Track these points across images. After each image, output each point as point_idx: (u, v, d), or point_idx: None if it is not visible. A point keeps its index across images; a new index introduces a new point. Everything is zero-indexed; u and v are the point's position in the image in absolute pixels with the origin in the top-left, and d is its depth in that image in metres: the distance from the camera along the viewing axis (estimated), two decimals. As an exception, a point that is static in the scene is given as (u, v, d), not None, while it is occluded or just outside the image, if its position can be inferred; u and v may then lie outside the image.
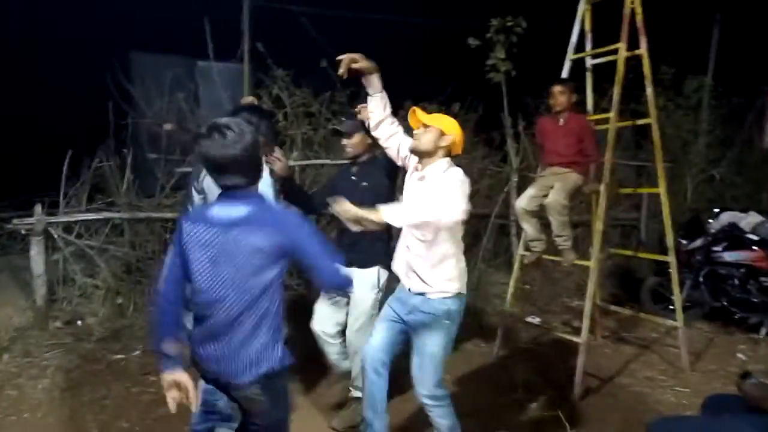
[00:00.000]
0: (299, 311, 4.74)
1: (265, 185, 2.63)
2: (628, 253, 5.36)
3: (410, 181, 2.83)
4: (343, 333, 3.42)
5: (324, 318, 3.42)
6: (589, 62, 4.54)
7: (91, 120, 5.20)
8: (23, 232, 4.76)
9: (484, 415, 3.54)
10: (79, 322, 4.82)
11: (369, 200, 3.08)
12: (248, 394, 2.04)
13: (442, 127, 2.69)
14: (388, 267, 3.19)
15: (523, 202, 4.24)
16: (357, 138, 3.32)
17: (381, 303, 3.22)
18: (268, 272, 1.97)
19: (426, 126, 2.70)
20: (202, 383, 2.26)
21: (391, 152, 2.98)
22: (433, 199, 2.50)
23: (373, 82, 3.00)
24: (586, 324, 3.96)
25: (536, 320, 5.40)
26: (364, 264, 3.24)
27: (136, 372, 4.10)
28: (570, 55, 4.47)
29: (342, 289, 2.23)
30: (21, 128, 6.88)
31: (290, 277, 5.45)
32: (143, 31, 6.19)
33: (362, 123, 3.30)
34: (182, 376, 2.01)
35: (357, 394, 3.40)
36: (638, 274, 6.33)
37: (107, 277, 5.02)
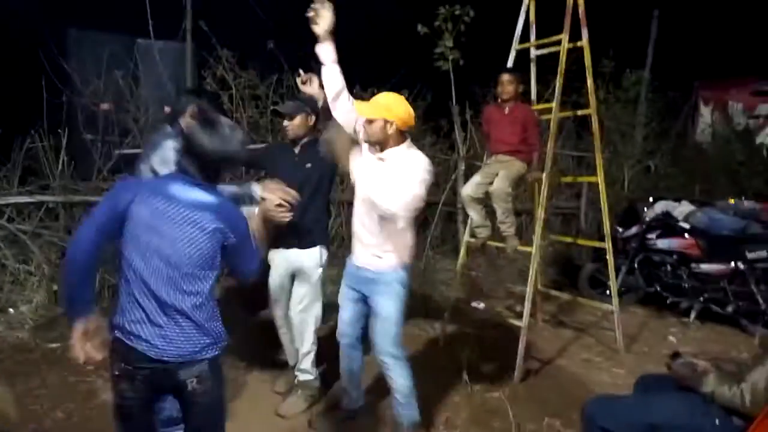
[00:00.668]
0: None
1: None
2: (568, 239, 5.54)
3: (368, 159, 2.85)
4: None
5: (277, 300, 3.48)
6: (533, 53, 4.64)
7: (23, 98, 4.92)
8: (-52, 215, 4.50)
9: (429, 397, 3.59)
10: (11, 310, 4.60)
11: (313, 181, 3.26)
12: (196, 373, 2.01)
13: (385, 115, 2.71)
14: (328, 246, 3.41)
15: (468, 189, 4.31)
16: (299, 120, 3.29)
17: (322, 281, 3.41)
18: (216, 257, 2.04)
19: (370, 120, 2.73)
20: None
21: (348, 128, 2.95)
22: (395, 186, 2.62)
23: (329, 50, 2.95)
24: (527, 308, 4.08)
25: (481, 305, 5.53)
26: (306, 245, 3.30)
27: (73, 361, 3.94)
28: (515, 45, 4.55)
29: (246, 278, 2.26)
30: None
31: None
32: (81, 5, 5.89)
33: (304, 104, 3.31)
34: (94, 322, 1.96)
35: (304, 377, 3.46)
36: (578, 261, 6.56)
37: (41, 263, 4.80)
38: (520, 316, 4.27)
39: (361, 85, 6.17)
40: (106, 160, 5.13)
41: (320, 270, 3.36)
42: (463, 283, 6.32)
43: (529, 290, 4.12)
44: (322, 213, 3.44)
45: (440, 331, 4.64)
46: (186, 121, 2.88)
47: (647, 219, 5.60)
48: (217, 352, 2.06)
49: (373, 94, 6.33)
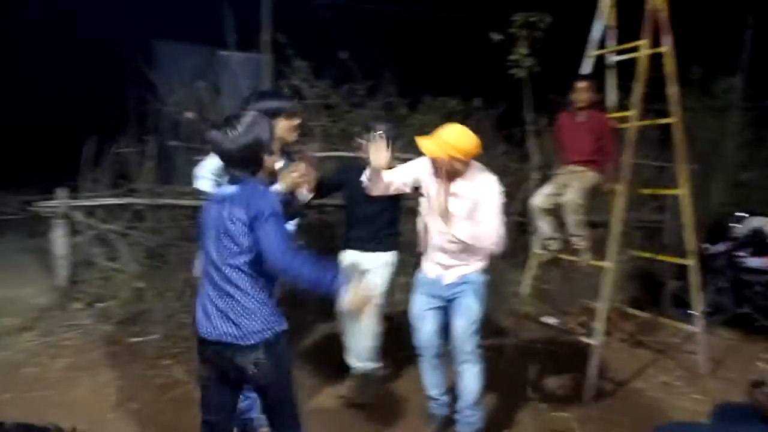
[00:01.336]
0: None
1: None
2: (648, 255, 5.24)
3: (436, 195, 2.89)
4: None
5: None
6: (611, 59, 4.46)
7: (114, 107, 5.29)
8: (45, 214, 4.87)
9: (492, 412, 3.51)
10: (99, 305, 4.93)
11: (386, 203, 3.38)
12: (253, 359, 2.18)
13: (450, 152, 2.73)
14: (398, 251, 3.65)
15: (537, 200, 4.19)
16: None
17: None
18: (254, 244, 2.14)
19: (437, 159, 2.76)
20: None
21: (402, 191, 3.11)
22: (477, 225, 2.79)
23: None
24: (600, 326, 3.90)
25: (552, 321, 5.33)
26: (378, 249, 3.56)
27: (152, 355, 4.18)
28: (591, 51, 4.39)
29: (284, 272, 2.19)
30: (47, 114, 7.05)
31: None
32: (166, 20, 6.26)
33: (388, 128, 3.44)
34: None
35: (366, 367, 3.58)
36: (661, 278, 6.21)
37: (128, 262, 5.11)
38: (593, 333, 4.10)
39: (432, 93, 6.20)
40: (187, 165, 5.38)
41: (390, 272, 3.57)
42: (535, 296, 6.15)
43: (602, 307, 3.94)
44: (395, 222, 3.67)
45: (507, 346, 4.51)
46: None
47: (737, 235, 5.23)
48: (268, 336, 2.18)
49: (444, 104, 6.38)
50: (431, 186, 2.93)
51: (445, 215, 2.86)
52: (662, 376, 4.27)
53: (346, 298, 2.21)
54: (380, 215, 3.54)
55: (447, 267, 3.01)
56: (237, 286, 2.17)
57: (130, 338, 4.43)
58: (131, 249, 5.18)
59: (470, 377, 3.03)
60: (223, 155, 2.20)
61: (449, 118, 6.44)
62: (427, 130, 6.21)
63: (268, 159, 2.27)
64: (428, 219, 3.01)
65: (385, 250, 3.57)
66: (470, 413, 3.08)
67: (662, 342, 4.91)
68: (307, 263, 2.10)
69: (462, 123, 6.53)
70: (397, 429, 3.39)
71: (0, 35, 7.27)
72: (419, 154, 2.90)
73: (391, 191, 3.07)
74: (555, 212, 4.21)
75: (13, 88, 7.30)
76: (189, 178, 5.35)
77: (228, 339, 2.18)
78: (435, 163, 2.82)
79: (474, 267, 3.00)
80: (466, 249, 2.92)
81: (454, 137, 2.75)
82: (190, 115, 5.59)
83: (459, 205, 2.84)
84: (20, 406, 3.31)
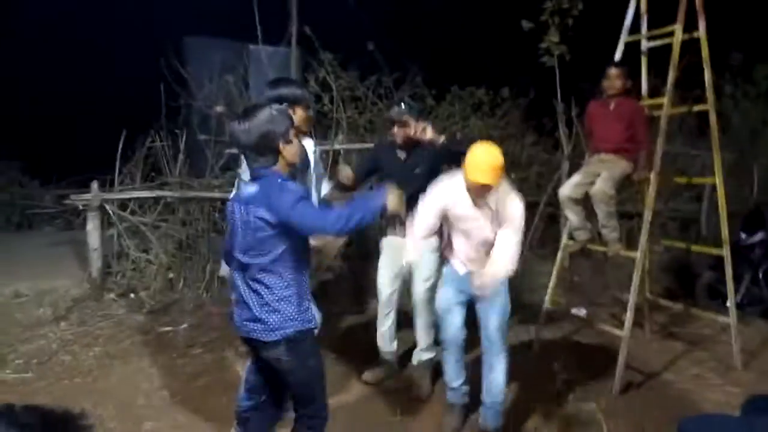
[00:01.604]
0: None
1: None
2: (681, 245, 5.12)
3: (465, 211, 2.97)
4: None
5: (388, 285, 3.70)
6: (645, 45, 4.34)
7: (144, 101, 5.39)
8: (80, 207, 5.01)
9: (518, 404, 3.50)
10: (132, 295, 5.04)
11: (424, 187, 3.29)
12: (276, 354, 2.27)
13: (501, 174, 2.80)
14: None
15: (566, 189, 4.11)
16: (408, 128, 3.44)
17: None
18: (279, 243, 2.21)
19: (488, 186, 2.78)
20: (248, 363, 2.66)
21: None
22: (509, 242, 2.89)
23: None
24: (629, 317, 3.82)
25: (582, 312, 5.24)
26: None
27: (182, 344, 4.27)
28: (624, 38, 4.28)
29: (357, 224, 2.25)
30: (82, 110, 7.24)
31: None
32: (196, 15, 6.35)
33: (412, 110, 3.51)
34: None
35: (428, 355, 3.70)
36: (697, 269, 6.04)
37: (159, 253, 5.22)
38: (624, 325, 4.02)
39: (459, 84, 6.14)
40: (217, 159, 5.47)
41: (437, 255, 3.51)
42: (566, 288, 6.05)
43: (632, 298, 3.86)
44: None
45: (534, 336, 4.46)
46: None
47: (775, 225, 5.05)
48: (290, 333, 2.24)
49: (471, 94, 6.32)
50: (457, 205, 2.98)
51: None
52: (694, 368, 4.16)
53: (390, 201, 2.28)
54: (412, 198, 3.34)
55: (475, 265, 3.05)
56: (263, 283, 2.24)
57: (161, 327, 4.54)
58: (162, 241, 5.28)
59: (499, 371, 3.08)
60: (240, 147, 2.29)
61: (477, 108, 6.40)
62: (454, 120, 6.23)
63: (285, 148, 2.28)
64: (457, 230, 3.08)
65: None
66: (496, 411, 3.14)
67: (695, 333, 4.78)
68: (349, 212, 2.20)
69: (490, 113, 6.50)
70: (417, 416, 3.40)
71: (31, 35, 7.53)
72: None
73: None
74: (584, 202, 4.13)
75: (49, 84, 7.54)
76: (218, 172, 5.50)
77: (254, 335, 2.28)
78: (481, 192, 2.86)
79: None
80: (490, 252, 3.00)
81: (498, 160, 2.78)
82: (219, 108, 5.66)
83: (486, 215, 2.95)
84: (53, 394, 3.42)
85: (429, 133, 3.41)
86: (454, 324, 3.14)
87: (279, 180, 2.24)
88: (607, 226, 4.08)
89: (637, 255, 3.87)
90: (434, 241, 3.53)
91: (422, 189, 3.36)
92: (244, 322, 2.32)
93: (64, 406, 1.04)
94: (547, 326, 4.57)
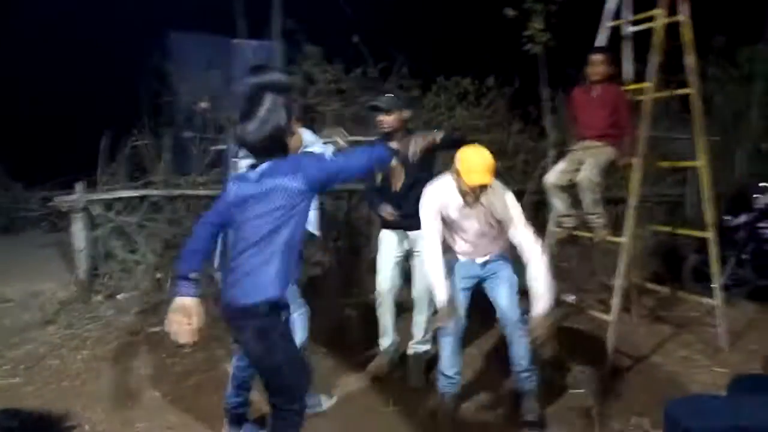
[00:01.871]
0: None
1: None
2: (665, 229, 5.15)
3: (460, 210, 3.05)
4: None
5: (388, 278, 3.73)
6: (627, 30, 4.34)
7: (126, 99, 5.33)
8: (63, 209, 4.96)
9: (507, 392, 3.52)
10: (119, 296, 5.01)
11: (416, 171, 3.32)
12: (250, 324, 2.25)
13: (490, 180, 2.86)
14: None
15: (552, 177, 4.13)
16: (395, 115, 3.44)
17: None
18: (289, 213, 2.23)
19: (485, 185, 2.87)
20: (235, 359, 2.72)
21: None
22: (520, 232, 2.97)
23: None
24: (616, 301, 3.86)
25: (570, 298, 5.28)
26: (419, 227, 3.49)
27: (172, 344, 4.18)
28: (606, 23, 4.29)
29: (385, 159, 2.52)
30: (63, 111, 7.15)
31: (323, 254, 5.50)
32: (178, 10, 6.26)
33: (399, 99, 3.52)
34: (192, 302, 2.22)
35: (424, 347, 3.75)
36: (683, 252, 6.09)
37: (146, 253, 5.18)
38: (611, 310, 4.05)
39: (445, 74, 6.12)
40: (203, 156, 5.43)
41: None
42: (552, 275, 6.07)
43: (618, 282, 3.89)
44: None
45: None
46: None
47: (758, 206, 5.09)
48: (265, 298, 2.23)
49: (457, 84, 6.31)
50: (450, 206, 3.05)
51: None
52: (682, 350, 4.21)
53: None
54: (410, 190, 3.36)
55: (477, 253, 3.16)
56: (255, 255, 2.24)
57: (150, 328, 4.50)
58: (149, 240, 5.24)
59: (522, 343, 3.15)
60: (249, 148, 2.30)
61: (463, 98, 6.38)
62: (440, 110, 6.21)
63: (291, 139, 2.34)
64: (453, 227, 3.15)
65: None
66: (526, 375, 3.22)
67: (682, 317, 4.83)
68: (368, 150, 2.43)
69: (476, 102, 6.48)
70: (409, 406, 3.41)
71: (9, 37, 7.41)
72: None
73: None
74: (570, 189, 4.14)
75: (29, 87, 7.44)
76: (204, 169, 5.45)
77: (234, 301, 2.26)
78: (478, 192, 2.93)
79: (499, 251, 3.19)
80: (491, 243, 3.13)
81: (490, 159, 2.86)
82: (203, 105, 5.61)
83: (485, 212, 3.02)
84: (42, 398, 3.40)
85: (423, 141, 3.35)
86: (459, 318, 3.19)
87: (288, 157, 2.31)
88: (593, 213, 4.10)
89: (624, 240, 3.89)
90: None
91: (417, 183, 3.38)
92: (228, 291, 2.30)
93: (48, 409, 1.03)
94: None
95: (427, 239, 3.07)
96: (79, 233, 4.90)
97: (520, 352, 3.18)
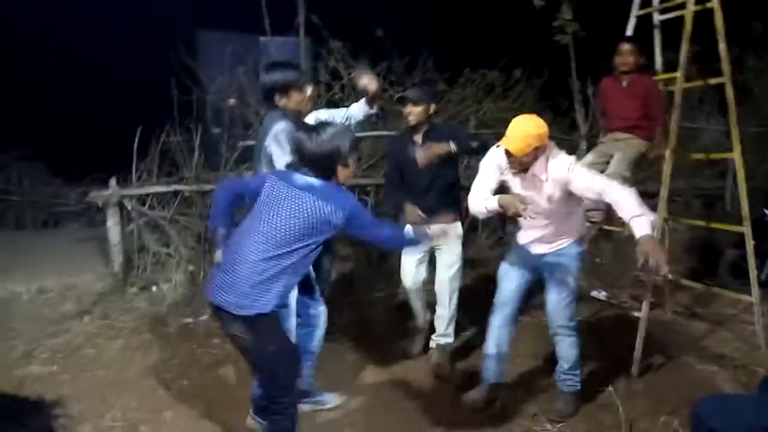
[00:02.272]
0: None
1: None
2: (699, 223, 4.98)
3: (517, 183, 2.97)
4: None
5: (412, 274, 3.77)
6: (657, 18, 4.23)
7: (157, 97, 5.45)
8: (99, 204, 5.11)
9: (530, 388, 3.50)
10: (153, 288, 5.14)
11: (438, 165, 3.45)
12: (237, 330, 2.33)
13: (535, 144, 2.74)
14: (462, 222, 3.72)
15: (579, 169, 4.04)
16: (422, 107, 3.49)
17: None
18: (312, 236, 2.31)
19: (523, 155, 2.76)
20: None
21: None
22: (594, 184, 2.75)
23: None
24: (647, 297, 3.77)
25: (601, 294, 5.19)
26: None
27: (202, 335, 4.34)
28: (635, 11, 4.18)
29: (409, 245, 2.67)
30: (98, 107, 7.37)
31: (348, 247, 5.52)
32: (206, 9, 6.39)
33: (427, 93, 3.59)
34: None
35: (445, 341, 3.78)
36: (721, 247, 5.90)
37: (179, 246, 5.30)
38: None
39: (471, 67, 6.07)
40: (231, 152, 5.51)
41: (460, 244, 3.67)
42: (585, 270, 5.97)
43: (649, 277, 3.80)
44: (452, 191, 3.66)
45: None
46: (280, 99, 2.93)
47: (800, 199, 4.90)
48: (254, 312, 2.27)
49: (484, 77, 6.26)
50: (509, 177, 2.99)
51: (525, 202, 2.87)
52: (717, 348, 4.09)
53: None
54: (433, 184, 3.55)
55: (539, 240, 3.06)
56: (267, 262, 2.27)
57: (182, 319, 4.61)
58: (182, 234, 5.36)
59: (564, 347, 3.15)
60: (303, 157, 2.38)
61: (490, 90, 6.32)
62: (467, 103, 6.17)
63: (341, 170, 2.41)
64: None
65: (448, 222, 3.49)
66: (566, 377, 3.21)
67: (718, 313, 4.69)
68: (399, 233, 2.53)
69: (503, 95, 6.43)
70: (434, 397, 3.41)
71: (49, 37, 7.68)
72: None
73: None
74: None
75: (67, 85, 7.69)
76: (232, 164, 5.54)
77: (225, 306, 2.31)
78: (518, 162, 2.82)
79: (568, 240, 3.03)
80: (555, 219, 2.98)
81: (534, 128, 2.76)
82: (232, 102, 5.70)
83: (539, 186, 2.88)
84: (77, 386, 3.51)
85: (436, 150, 3.39)
86: (506, 288, 3.18)
87: (342, 187, 2.42)
88: (623, 207, 4.00)
89: (654, 234, 3.79)
90: (459, 227, 3.68)
91: (438, 177, 3.53)
92: (220, 291, 2.33)
93: (36, 395, 1.06)
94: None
95: (473, 190, 2.98)
96: (113, 227, 5.04)
97: (561, 353, 3.18)
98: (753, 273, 4.03)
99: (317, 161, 2.35)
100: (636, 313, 3.83)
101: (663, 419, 3.16)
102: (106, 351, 4.04)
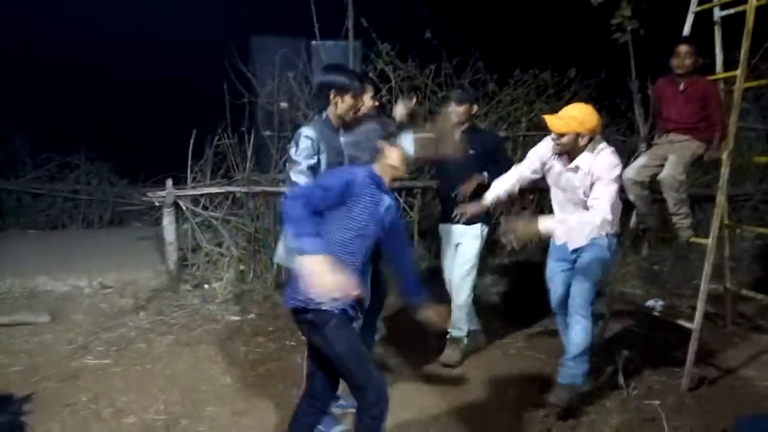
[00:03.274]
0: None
1: None
2: (761, 230, 4.68)
3: (560, 171, 3.11)
4: None
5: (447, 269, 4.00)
6: (717, 14, 4.00)
7: (210, 100, 5.62)
8: (156, 204, 5.34)
9: (578, 397, 3.36)
10: (205, 286, 5.32)
11: (474, 166, 3.68)
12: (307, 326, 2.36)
13: (578, 129, 2.89)
14: (487, 223, 3.90)
15: (631, 172, 3.86)
16: (464, 107, 3.74)
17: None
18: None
19: (560, 135, 2.92)
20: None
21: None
22: (594, 196, 2.91)
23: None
24: (700, 307, 3.57)
25: (657, 304, 4.95)
26: (470, 221, 3.71)
27: (249, 333, 4.45)
28: (693, 7, 3.98)
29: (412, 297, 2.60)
30: (158, 110, 7.70)
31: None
32: (256, 13, 6.54)
33: (471, 95, 3.89)
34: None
35: (456, 333, 3.89)
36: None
37: (231, 246, 5.46)
38: (707, 317, 3.76)
39: (523, 68, 5.93)
40: (281, 154, 5.63)
41: (480, 242, 3.84)
42: (643, 278, 5.74)
43: (703, 286, 3.60)
44: (479, 194, 3.67)
45: (600, 328, 4.25)
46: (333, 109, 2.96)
47: None
48: (319, 309, 2.29)
49: (535, 77, 6.12)
50: (554, 164, 3.13)
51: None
52: (778, 364, 3.83)
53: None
54: (453, 191, 3.74)
55: (572, 231, 3.13)
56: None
57: (231, 317, 4.75)
58: (233, 234, 5.52)
59: (577, 330, 3.11)
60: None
61: (543, 91, 6.16)
62: (517, 105, 6.04)
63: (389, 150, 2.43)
64: (554, 194, 3.26)
65: (468, 223, 3.72)
66: (572, 365, 3.14)
67: (784, 328, 4.39)
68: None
69: (557, 96, 6.26)
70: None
71: (109, 42, 8.10)
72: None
73: (525, 184, 3.40)
74: (649, 185, 3.89)
75: (129, 89, 8.08)
76: (282, 167, 5.65)
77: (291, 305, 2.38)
78: (557, 148, 3.00)
79: (602, 232, 3.07)
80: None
81: (582, 114, 2.93)
82: (283, 105, 5.82)
83: (580, 178, 3.00)
84: (126, 378, 3.68)
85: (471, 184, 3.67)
86: (556, 292, 3.32)
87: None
88: (678, 213, 3.83)
89: (708, 241, 3.60)
90: (479, 228, 3.82)
91: (474, 166, 3.68)
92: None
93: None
94: (618, 318, 4.39)
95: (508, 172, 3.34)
96: (168, 226, 5.24)
97: (572, 337, 3.15)
98: (820, 285, 3.75)
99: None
100: (688, 324, 3.63)
101: (712, 437, 2.99)
102: (157, 346, 4.21)
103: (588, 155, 2.96)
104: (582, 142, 2.92)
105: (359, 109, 3.09)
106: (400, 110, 3.64)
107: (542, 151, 3.19)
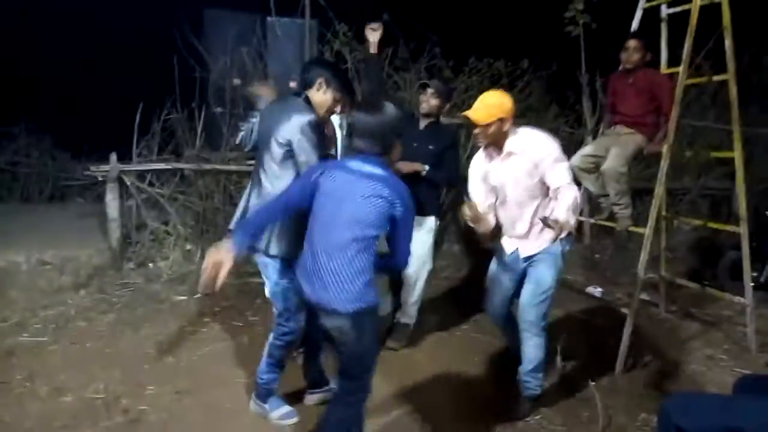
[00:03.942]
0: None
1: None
2: (696, 222, 4.90)
3: (497, 167, 2.96)
4: None
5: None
6: (665, 11, 4.15)
7: (159, 74, 5.45)
8: (99, 179, 5.15)
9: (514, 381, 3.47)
10: (150, 265, 5.19)
11: (431, 160, 3.65)
12: (339, 324, 2.32)
13: (500, 115, 2.79)
14: (438, 215, 3.93)
15: (576, 160, 4.00)
16: (439, 102, 3.72)
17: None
18: (375, 226, 2.27)
19: (486, 126, 2.79)
20: None
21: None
22: (553, 174, 2.82)
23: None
24: (636, 295, 3.74)
25: (597, 291, 5.15)
26: (422, 212, 3.58)
27: (194, 313, 4.38)
28: (642, 3, 4.11)
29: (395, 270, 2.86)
30: (99, 83, 7.41)
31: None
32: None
33: (449, 90, 3.95)
34: (227, 257, 2.29)
35: (406, 320, 3.98)
36: (723, 248, 5.82)
37: (177, 224, 5.33)
38: (642, 304, 3.92)
39: (478, 56, 5.99)
40: (233, 132, 5.50)
41: (432, 234, 3.82)
42: (585, 266, 5.93)
43: (639, 275, 3.76)
44: (432, 188, 3.80)
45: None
46: (314, 93, 2.82)
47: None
48: (357, 307, 2.27)
49: (490, 66, 6.18)
50: (491, 169, 3.00)
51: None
52: (707, 349, 4.05)
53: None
54: (417, 179, 3.61)
55: (523, 240, 3.04)
56: (347, 255, 2.27)
57: (176, 296, 4.66)
58: (180, 212, 5.39)
59: (530, 346, 3.06)
60: (363, 131, 2.32)
61: (496, 81, 6.24)
62: (471, 93, 6.10)
63: (396, 147, 2.40)
64: (499, 204, 3.08)
65: (422, 215, 3.63)
66: (528, 379, 3.12)
67: (713, 314, 4.65)
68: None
69: (510, 86, 6.35)
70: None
71: (53, 14, 7.72)
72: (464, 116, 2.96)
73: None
74: (596, 171, 4.03)
75: (73, 62, 7.74)
76: (233, 145, 5.53)
77: (323, 303, 2.31)
78: (483, 138, 2.88)
79: (548, 239, 2.93)
80: (537, 213, 2.95)
81: (499, 99, 2.86)
82: (236, 81, 5.69)
83: (518, 163, 2.87)
84: (64, 356, 3.57)
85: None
86: (495, 300, 3.26)
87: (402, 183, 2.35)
88: (618, 203, 3.98)
89: (646, 231, 3.75)
90: (432, 221, 3.81)
91: (431, 160, 3.64)
92: (315, 292, 2.32)
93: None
94: (559, 303, 4.51)
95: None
96: (111, 202, 5.08)
97: (526, 352, 3.08)
98: (747, 275, 3.98)
99: (381, 136, 2.31)
100: (624, 310, 3.79)
101: (642, 416, 3.15)
102: (98, 324, 4.09)
103: (513, 138, 2.87)
104: (505, 126, 2.83)
105: (334, 111, 2.97)
106: (371, 37, 3.67)
107: (476, 167, 3.09)
